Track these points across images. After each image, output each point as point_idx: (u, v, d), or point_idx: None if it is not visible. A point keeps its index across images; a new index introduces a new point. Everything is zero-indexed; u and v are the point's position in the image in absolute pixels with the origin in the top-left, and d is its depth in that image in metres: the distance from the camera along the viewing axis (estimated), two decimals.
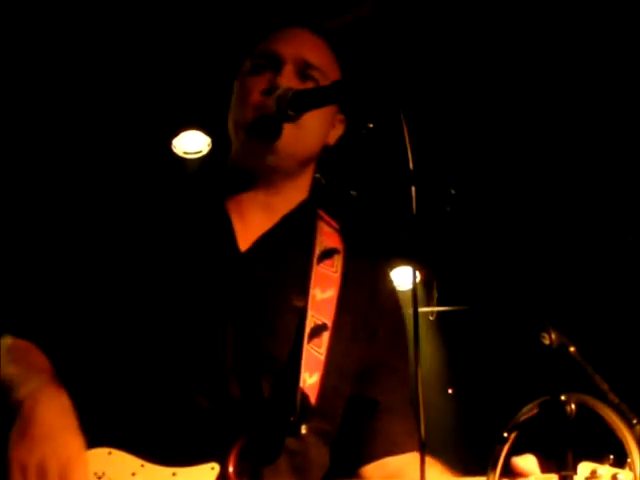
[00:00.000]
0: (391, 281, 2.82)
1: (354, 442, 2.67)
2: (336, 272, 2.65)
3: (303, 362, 2.49)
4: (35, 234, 2.70)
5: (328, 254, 2.67)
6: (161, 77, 4.81)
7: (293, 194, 2.69)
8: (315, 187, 2.74)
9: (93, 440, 2.37)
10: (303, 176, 2.70)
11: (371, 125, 2.31)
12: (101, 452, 2.38)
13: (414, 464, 2.49)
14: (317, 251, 2.65)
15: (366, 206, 5.28)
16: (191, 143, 5.21)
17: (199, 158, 5.18)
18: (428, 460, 2.18)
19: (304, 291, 2.59)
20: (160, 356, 2.47)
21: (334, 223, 2.76)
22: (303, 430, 2.44)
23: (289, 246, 2.64)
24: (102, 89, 4.80)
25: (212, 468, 2.36)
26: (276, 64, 2.60)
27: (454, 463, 2.64)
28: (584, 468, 2.29)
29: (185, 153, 5.20)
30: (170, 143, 5.20)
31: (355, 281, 2.68)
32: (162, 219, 2.62)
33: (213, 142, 5.17)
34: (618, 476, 2.24)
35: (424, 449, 2.06)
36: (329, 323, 2.57)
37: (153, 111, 4.94)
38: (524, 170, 5.18)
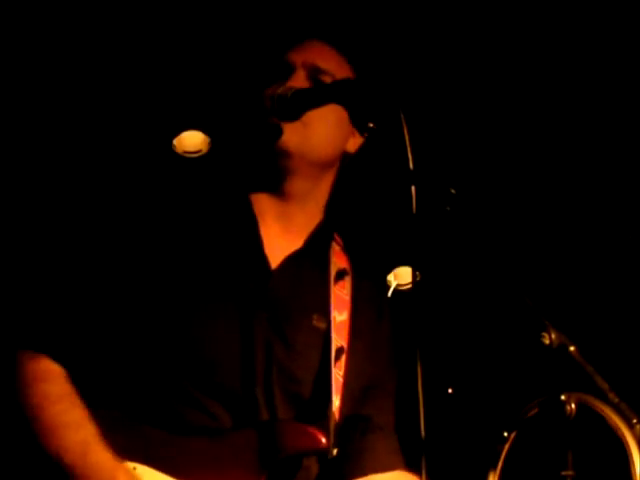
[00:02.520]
0: (388, 304, 2.84)
1: (343, 457, 2.67)
2: (347, 294, 2.67)
3: (333, 385, 2.50)
4: (48, 241, 2.67)
5: (341, 275, 2.69)
6: (161, 78, 4.80)
7: (310, 205, 2.67)
8: (330, 205, 2.72)
9: (118, 451, 2.36)
10: (320, 185, 2.67)
11: (372, 125, 2.30)
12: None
13: None
14: (333, 272, 2.67)
15: (366, 206, 5.28)
16: (191, 143, 5.21)
17: (200, 158, 5.18)
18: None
19: (325, 312, 2.61)
20: (188, 374, 2.46)
21: (340, 241, 2.77)
22: (334, 453, 2.47)
23: (311, 266, 2.65)
24: (102, 90, 4.80)
25: None
26: (288, 71, 2.61)
27: (454, 462, 2.66)
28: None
29: (185, 153, 5.21)
30: (170, 143, 5.20)
31: (362, 304, 2.70)
32: (188, 224, 2.59)
33: (213, 142, 5.16)
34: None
35: (425, 448, 2.06)
36: (345, 346, 2.60)
37: (153, 111, 4.94)
38: (524, 170, 5.18)
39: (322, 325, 2.59)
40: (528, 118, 4.95)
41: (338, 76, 2.62)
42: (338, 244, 2.75)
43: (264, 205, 2.63)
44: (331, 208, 2.71)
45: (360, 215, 5.16)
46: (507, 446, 2.07)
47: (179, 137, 5.20)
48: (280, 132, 2.53)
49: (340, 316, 2.62)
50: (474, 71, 4.77)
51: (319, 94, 2.52)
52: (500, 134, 5.06)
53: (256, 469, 2.39)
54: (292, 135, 2.54)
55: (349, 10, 4.43)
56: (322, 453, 2.46)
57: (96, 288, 2.50)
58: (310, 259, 2.66)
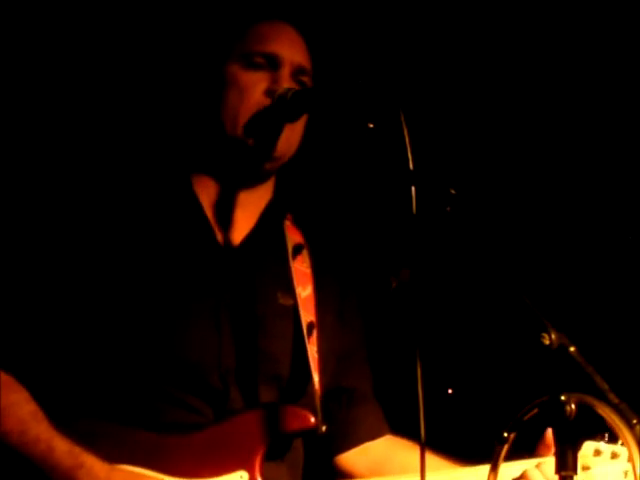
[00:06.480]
0: (351, 274, 2.84)
1: (332, 433, 2.67)
2: (307, 268, 2.67)
3: (311, 362, 2.50)
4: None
5: (298, 250, 2.69)
6: (161, 77, 4.80)
7: (266, 191, 2.71)
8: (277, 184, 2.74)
9: (105, 457, 2.37)
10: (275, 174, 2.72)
11: (372, 125, 2.31)
12: None
13: (396, 447, 2.54)
14: (290, 248, 2.67)
15: (366, 206, 5.28)
16: None
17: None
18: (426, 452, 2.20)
19: (289, 289, 2.60)
20: (166, 374, 2.46)
21: (289, 216, 2.77)
22: (323, 429, 2.46)
23: (268, 245, 2.65)
24: (102, 90, 4.80)
25: (241, 477, 2.37)
26: (274, 64, 2.60)
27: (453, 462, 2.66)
28: (588, 447, 2.34)
29: None
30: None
31: (323, 276, 2.71)
32: (139, 219, 2.59)
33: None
34: (616, 450, 2.31)
35: (424, 449, 2.06)
36: (314, 320, 2.59)
37: (152, 111, 4.93)
38: (524, 170, 5.18)
39: (289, 302, 2.59)
40: (528, 118, 4.95)
41: (312, 76, 2.65)
42: (288, 219, 2.74)
43: (211, 191, 2.61)
44: (280, 185, 2.72)
45: (360, 217, 5.16)
46: (507, 446, 2.07)
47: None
48: (279, 133, 2.54)
49: (304, 291, 2.61)
50: (474, 71, 4.77)
51: (320, 96, 2.52)
52: (500, 134, 5.06)
53: (247, 455, 2.38)
54: (285, 138, 2.55)
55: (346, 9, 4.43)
56: (312, 432, 2.44)
57: (51, 295, 2.49)
58: (267, 238, 2.66)
